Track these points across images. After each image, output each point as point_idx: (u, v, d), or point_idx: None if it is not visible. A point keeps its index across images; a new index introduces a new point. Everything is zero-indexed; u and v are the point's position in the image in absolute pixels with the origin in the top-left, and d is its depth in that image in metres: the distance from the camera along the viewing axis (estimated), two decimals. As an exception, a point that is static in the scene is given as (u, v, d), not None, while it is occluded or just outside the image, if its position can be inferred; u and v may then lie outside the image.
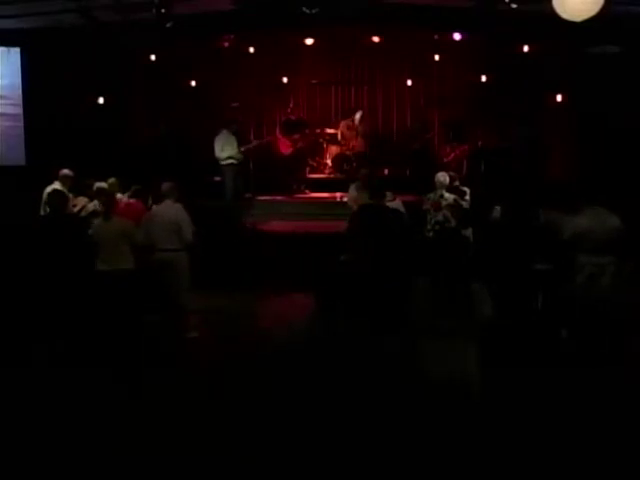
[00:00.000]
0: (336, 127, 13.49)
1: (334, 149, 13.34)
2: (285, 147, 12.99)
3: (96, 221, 7.18)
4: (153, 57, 11.89)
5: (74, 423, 4.95)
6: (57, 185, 8.47)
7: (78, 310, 6.46)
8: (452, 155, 12.63)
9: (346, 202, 9.11)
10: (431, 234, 8.02)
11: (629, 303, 6.64)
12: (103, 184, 8.37)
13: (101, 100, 11.75)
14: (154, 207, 7.73)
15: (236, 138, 11.35)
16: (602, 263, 6.35)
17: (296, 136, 12.99)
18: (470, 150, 12.71)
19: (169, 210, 7.31)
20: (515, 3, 9.21)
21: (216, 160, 11.41)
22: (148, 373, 6.00)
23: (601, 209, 6.42)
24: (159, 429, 4.91)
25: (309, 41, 12.47)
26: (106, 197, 7.45)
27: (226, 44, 12.81)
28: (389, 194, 7.76)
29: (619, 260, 6.39)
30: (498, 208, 7.45)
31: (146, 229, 7.23)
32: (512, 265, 6.60)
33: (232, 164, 11.08)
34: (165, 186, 7.43)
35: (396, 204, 7.86)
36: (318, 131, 13.42)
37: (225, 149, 11.12)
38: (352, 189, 8.80)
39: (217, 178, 12.28)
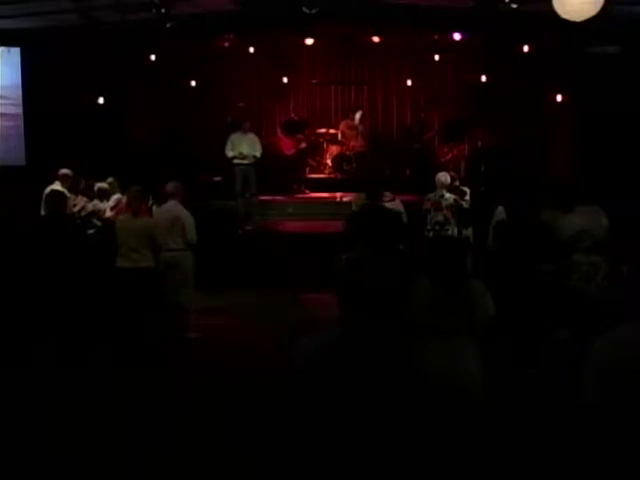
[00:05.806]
0: (336, 127, 13.49)
1: (334, 149, 13.35)
2: (288, 148, 12.98)
3: (121, 217, 7.11)
4: (153, 57, 11.88)
5: (74, 423, 4.95)
6: (57, 185, 8.46)
7: (77, 310, 6.45)
8: (450, 155, 12.61)
9: (346, 202, 9.08)
10: (431, 234, 8.02)
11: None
12: (104, 184, 8.38)
13: (101, 100, 11.75)
14: (155, 208, 7.72)
15: (252, 137, 11.09)
16: (596, 262, 6.36)
17: (299, 136, 12.98)
18: (470, 150, 12.70)
19: (173, 210, 7.28)
20: (515, 3, 9.22)
21: (216, 160, 11.44)
22: (148, 373, 6.00)
23: (595, 208, 6.42)
24: (159, 429, 4.91)
25: (309, 41, 12.46)
26: (135, 194, 7.07)
27: (226, 44, 12.82)
28: (388, 194, 7.75)
29: (611, 259, 6.39)
30: (501, 209, 7.42)
31: None
32: (519, 266, 6.58)
33: (238, 164, 11.02)
34: (170, 186, 7.35)
35: (395, 204, 7.85)
36: (321, 131, 13.43)
37: (233, 149, 11.01)
38: None
39: (217, 178, 12.29)
